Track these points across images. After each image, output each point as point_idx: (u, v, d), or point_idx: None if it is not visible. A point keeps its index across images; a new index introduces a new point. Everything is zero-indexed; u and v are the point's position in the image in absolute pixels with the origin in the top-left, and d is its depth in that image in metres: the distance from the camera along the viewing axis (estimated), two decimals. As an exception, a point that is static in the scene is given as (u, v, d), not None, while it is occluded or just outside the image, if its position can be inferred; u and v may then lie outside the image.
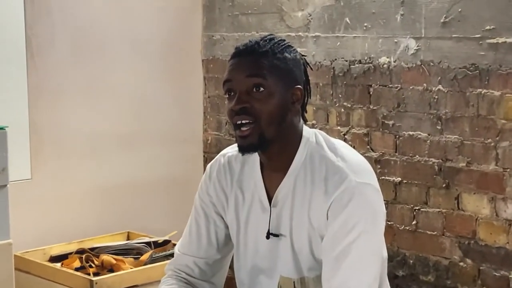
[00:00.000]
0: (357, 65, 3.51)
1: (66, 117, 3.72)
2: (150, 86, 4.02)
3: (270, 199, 2.03)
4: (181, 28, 4.11)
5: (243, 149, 1.97)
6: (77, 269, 3.37)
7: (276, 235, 2.02)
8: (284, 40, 2.01)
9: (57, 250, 3.59)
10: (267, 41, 1.97)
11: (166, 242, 3.66)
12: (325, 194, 1.93)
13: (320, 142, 2.01)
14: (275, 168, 2.02)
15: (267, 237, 2.02)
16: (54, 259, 3.54)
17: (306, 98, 2.03)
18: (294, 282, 2.02)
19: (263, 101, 1.92)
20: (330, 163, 1.96)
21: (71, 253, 3.55)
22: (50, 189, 3.68)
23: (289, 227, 2.00)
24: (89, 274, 3.30)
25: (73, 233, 3.71)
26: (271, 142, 1.95)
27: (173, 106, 4.12)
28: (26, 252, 3.50)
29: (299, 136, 2.01)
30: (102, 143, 3.85)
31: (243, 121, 1.93)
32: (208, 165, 2.18)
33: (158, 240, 3.67)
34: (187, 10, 4.13)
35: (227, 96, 1.98)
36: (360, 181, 1.92)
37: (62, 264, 3.46)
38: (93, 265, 3.41)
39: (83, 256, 3.45)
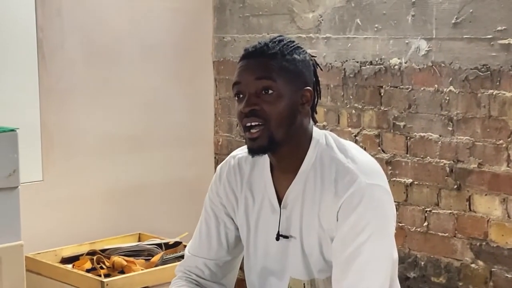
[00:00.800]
0: (368, 66, 3.50)
1: (77, 118, 3.73)
2: (161, 87, 4.02)
3: (280, 200, 2.03)
4: (191, 29, 4.11)
5: (252, 151, 1.96)
6: (88, 271, 3.39)
7: (286, 237, 2.01)
8: (294, 42, 2.00)
9: (68, 251, 3.60)
10: (276, 42, 1.96)
11: (177, 243, 3.66)
12: (335, 195, 1.92)
13: (330, 143, 2.01)
14: (285, 170, 2.01)
15: (277, 239, 2.02)
16: (66, 260, 3.55)
17: (316, 99, 2.02)
18: (304, 284, 2.01)
19: (272, 103, 1.91)
20: (340, 165, 1.95)
21: (82, 255, 3.56)
22: (61, 191, 3.69)
23: (299, 228, 2.00)
24: (100, 276, 3.31)
25: (85, 235, 3.72)
26: (281, 144, 1.95)
27: (183, 107, 4.12)
28: (38, 253, 3.51)
29: (309, 137, 2.00)
30: (113, 145, 3.86)
31: (253, 123, 1.92)
32: (218, 167, 2.17)
33: (169, 242, 3.68)
34: (197, 12, 4.13)
35: (236, 98, 1.97)
36: (370, 183, 1.92)
37: (73, 265, 3.47)
38: (104, 266, 3.42)
39: (94, 257, 3.45)
